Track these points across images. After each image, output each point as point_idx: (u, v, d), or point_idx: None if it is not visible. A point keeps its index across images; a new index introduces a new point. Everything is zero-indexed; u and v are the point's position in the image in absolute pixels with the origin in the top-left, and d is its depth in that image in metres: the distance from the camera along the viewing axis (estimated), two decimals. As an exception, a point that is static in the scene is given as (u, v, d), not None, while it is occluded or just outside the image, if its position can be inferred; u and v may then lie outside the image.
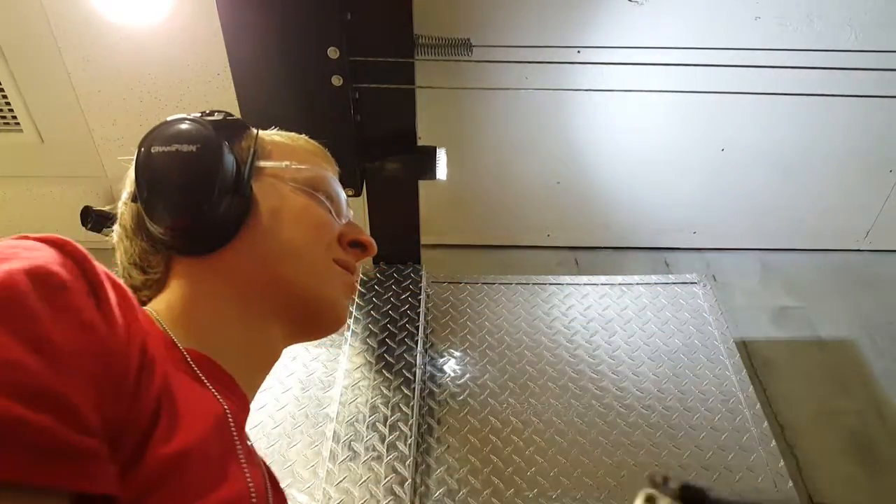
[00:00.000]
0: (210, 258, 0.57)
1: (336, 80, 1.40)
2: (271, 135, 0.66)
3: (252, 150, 0.61)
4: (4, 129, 1.95)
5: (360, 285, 1.75)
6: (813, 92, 1.68)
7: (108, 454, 0.37)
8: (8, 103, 1.88)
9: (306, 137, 0.69)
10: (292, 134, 0.68)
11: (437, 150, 1.60)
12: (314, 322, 0.63)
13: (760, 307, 2.09)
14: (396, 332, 1.63)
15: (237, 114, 1.43)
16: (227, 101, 1.56)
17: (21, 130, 1.94)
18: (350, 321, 1.66)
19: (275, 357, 0.61)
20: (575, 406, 1.52)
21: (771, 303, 2.11)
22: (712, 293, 1.83)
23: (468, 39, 1.50)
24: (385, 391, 1.48)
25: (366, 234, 0.67)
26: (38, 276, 0.36)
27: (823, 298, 2.12)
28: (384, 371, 1.53)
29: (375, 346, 1.59)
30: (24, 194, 2.13)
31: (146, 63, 1.81)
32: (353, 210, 0.69)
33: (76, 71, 1.83)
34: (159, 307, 0.56)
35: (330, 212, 0.64)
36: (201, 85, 1.85)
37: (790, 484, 1.36)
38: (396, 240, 1.80)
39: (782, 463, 1.40)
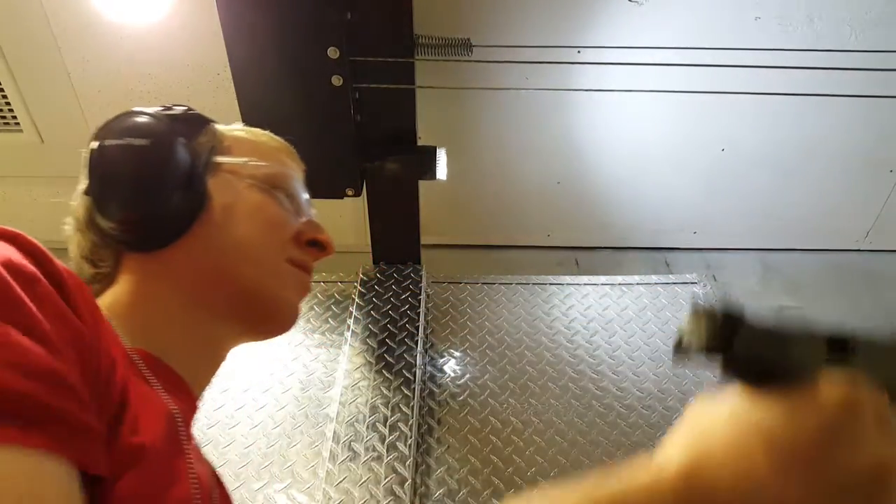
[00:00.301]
0: (160, 254, 0.56)
1: (336, 80, 1.40)
2: (233, 130, 0.64)
3: (210, 145, 0.60)
4: (4, 129, 1.94)
5: (361, 285, 1.75)
6: (813, 92, 1.68)
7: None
8: (8, 103, 1.88)
9: (270, 134, 0.67)
10: (255, 130, 0.67)
11: (437, 150, 1.60)
12: (264, 322, 0.61)
13: (760, 307, 2.09)
14: (396, 332, 1.63)
15: (237, 113, 1.44)
16: (227, 101, 1.56)
17: (21, 130, 1.94)
18: (350, 321, 1.66)
19: (223, 356, 0.60)
20: (575, 406, 1.52)
21: (771, 303, 2.11)
22: (712, 293, 1.83)
23: (468, 39, 1.50)
24: (385, 391, 1.48)
25: (325, 233, 0.65)
26: (11, 268, 0.35)
27: (823, 298, 2.12)
28: (384, 371, 1.53)
29: (375, 346, 1.59)
30: (24, 194, 2.13)
31: (146, 63, 1.81)
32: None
33: (76, 71, 1.83)
34: (106, 302, 0.55)
35: (288, 210, 0.63)
36: (201, 84, 1.85)
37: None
38: (396, 240, 1.80)
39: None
